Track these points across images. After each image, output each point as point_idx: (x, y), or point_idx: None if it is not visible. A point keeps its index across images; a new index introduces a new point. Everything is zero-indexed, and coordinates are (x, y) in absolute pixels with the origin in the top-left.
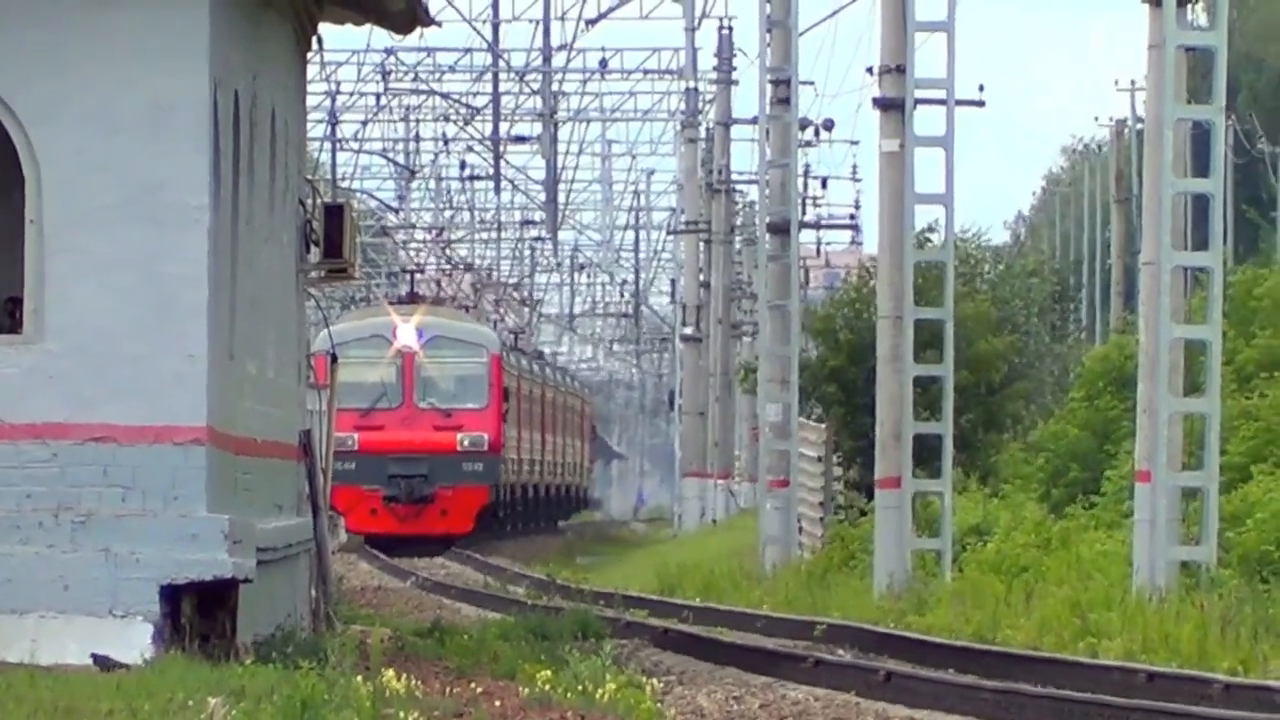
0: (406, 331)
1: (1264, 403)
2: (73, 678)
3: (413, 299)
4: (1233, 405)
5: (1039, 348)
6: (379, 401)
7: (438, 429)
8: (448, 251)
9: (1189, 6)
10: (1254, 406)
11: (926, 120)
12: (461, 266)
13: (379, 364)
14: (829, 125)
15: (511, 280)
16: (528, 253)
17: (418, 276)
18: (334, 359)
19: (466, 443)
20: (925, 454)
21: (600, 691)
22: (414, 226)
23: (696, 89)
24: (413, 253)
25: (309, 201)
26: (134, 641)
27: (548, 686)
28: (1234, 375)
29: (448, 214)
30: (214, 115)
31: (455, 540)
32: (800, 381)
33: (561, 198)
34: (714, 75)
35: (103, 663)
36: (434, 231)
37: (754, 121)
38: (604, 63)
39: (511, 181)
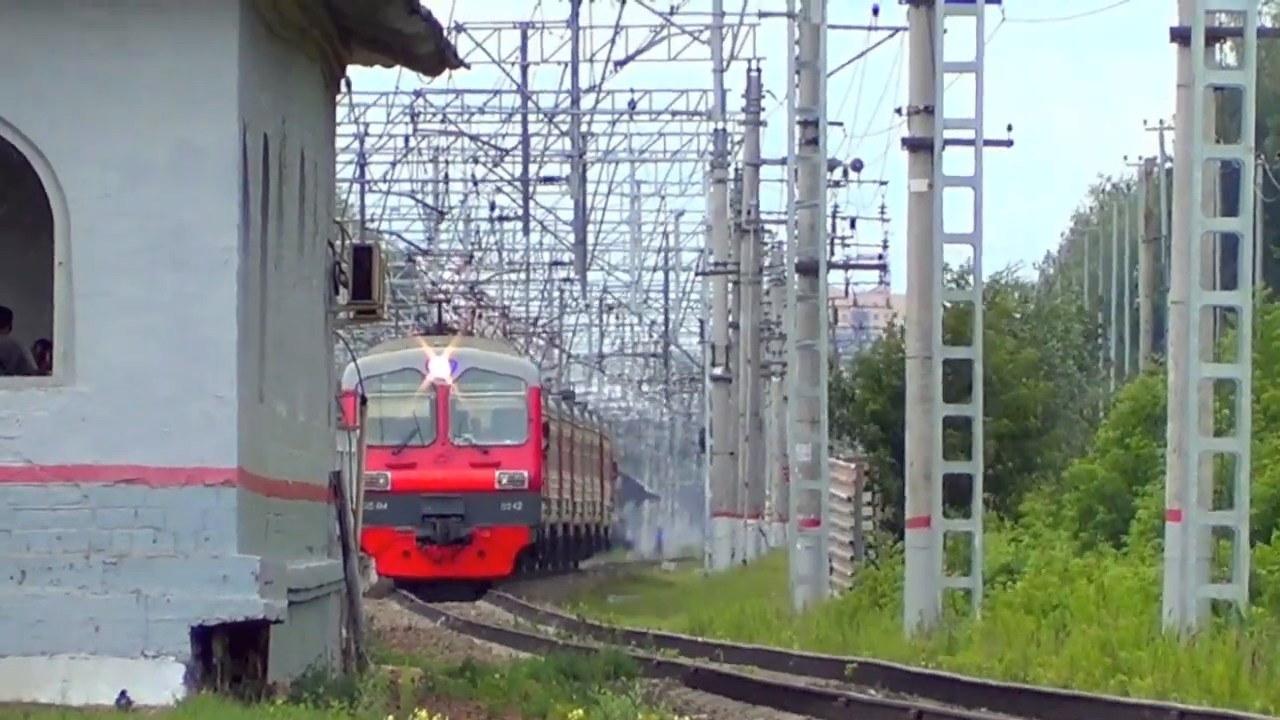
0: (440, 364)
1: None
2: (104, 718)
3: (441, 329)
4: (1262, 444)
5: (1072, 389)
6: (412, 438)
7: (474, 466)
8: (476, 289)
9: (1218, 46)
10: None
11: (955, 160)
12: (489, 305)
13: (411, 398)
14: (858, 166)
15: (540, 321)
16: (556, 294)
17: (445, 306)
18: (364, 400)
19: (505, 481)
20: (957, 495)
21: None
22: (443, 254)
23: (725, 130)
24: (441, 287)
25: (338, 243)
26: (166, 682)
27: None
28: (1261, 414)
29: (477, 255)
30: (243, 158)
31: (492, 584)
32: (843, 417)
33: (590, 238)
34: (742, 116)
35: (123, 702)
36: (463, 260)
37: (783, 162)
38: (633, 104)
39: (540, 222)
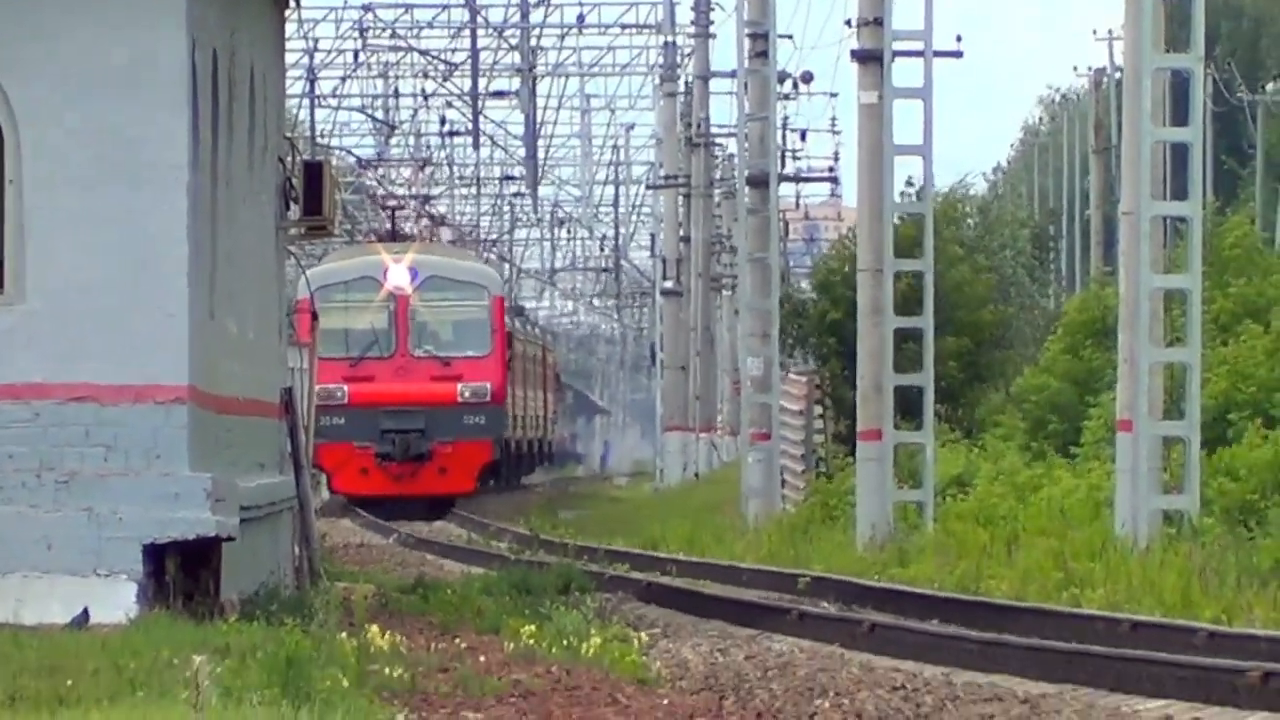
0: (399, 272)
1: (1241, 348)
2: (57, 637)
3: (395, 237)
4: (1212, 355)
5: (1023, 299)
6: (370, 350)
7: (435, 379)
8: (427, 207)
9: None
10: (1230, 354)
11: (905, 72)
12: (440, 220)
13: (369, 308)
14: (808, 78)
15: (491, 236)
16: (507, 208)
17: (399, 214)
18: (315, 316)
19: (467, 394)
20: (909, 407)
21: (585, 646)
22: (394, 162)
23: (675, 43)
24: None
25: (288, 159)
26: (119, 600)
27: (532, 641)
28: (1211, 323)
29: (427, 170)
30: (192, 73)
31: (454, 502)
32: (796, 329)
33: (541, 153)
34: (692, 29)
35: (83, 619)
36: (416, 167)
37: (733, 75)
38: (582, 17)
39: (490, 137)
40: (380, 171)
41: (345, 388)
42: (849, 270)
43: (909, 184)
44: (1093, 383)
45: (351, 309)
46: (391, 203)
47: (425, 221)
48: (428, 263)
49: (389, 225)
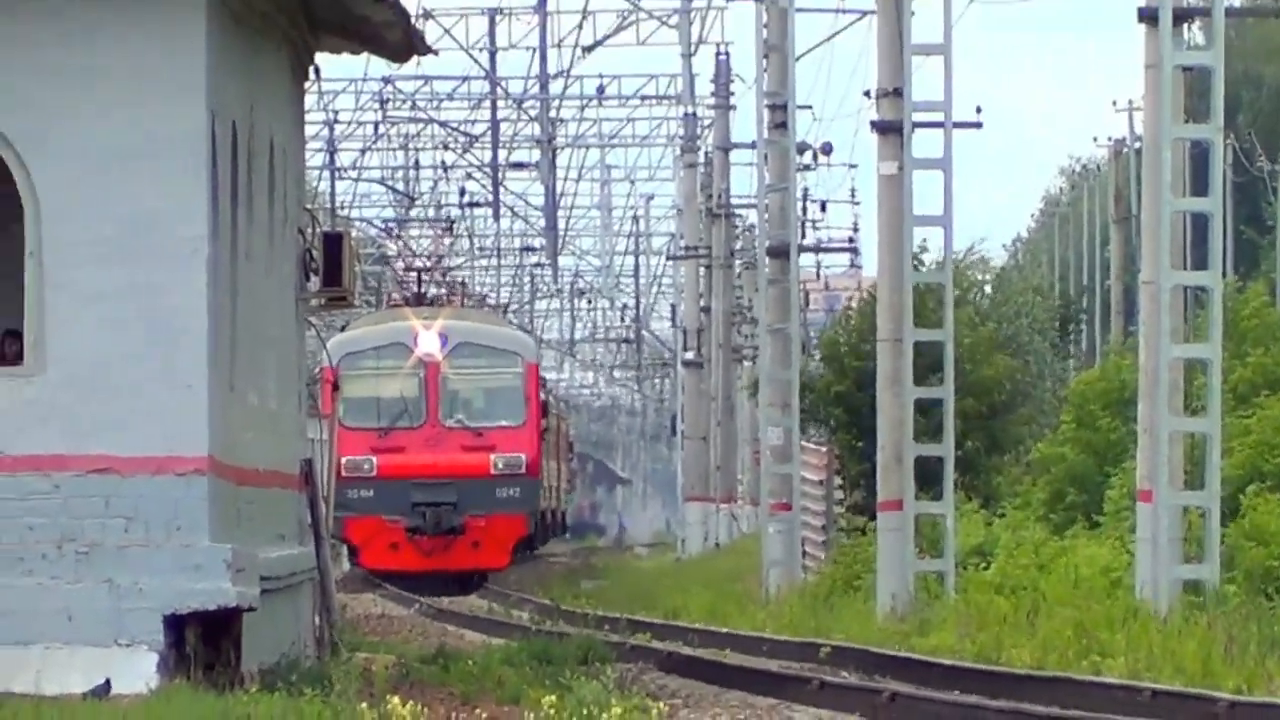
0: (428, 338)
1: (1261, 416)
2: (78, 707)
3: (421, 300)
4: (1231, 425)
5: (1040, 367)
6: (399, 419)
7: (467, 450)
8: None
9: (1186, 26)
10: (1251, 424)
11: (924, 143)
12: (461, 292)
13: (398, 376)
14: (827, 149)
15: (512, 307)
16: (527, 279)
17: (426, 278)
18: (336, 386)
19: (501, 465)
20: (927, 476)
21: (605, 716)
22: (420, 222)
23: (695, 114)
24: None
25: (308, 230)
26: (139, 671)
27: (552, 711)
28: (1229, 394)
29: (447, 241)
30: (211, 146)
31: (487, 577)
32: (804, 403)
33: (561, 224)
34: (712, 100)
35: (104, 690)
36: (443, 228)
37: (752, 146)
38: (601, 89)
39: (511, 208)
40: (401, 242)
41: (374, 459)
42: (855, 341)
43: (924, 248)
44: (1111, 453)
45: (379, 377)
46: (419, 264)
47: (456, 280)
48: (459, 328)
49: (415, 288)
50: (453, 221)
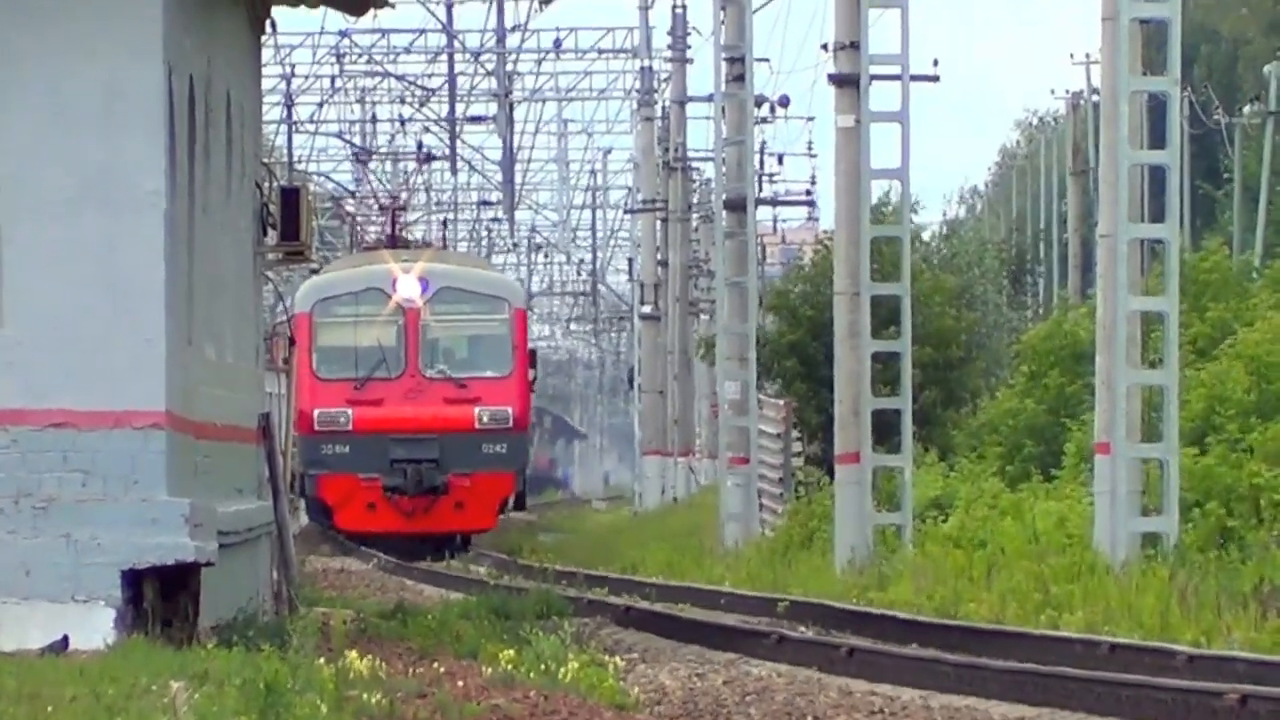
0: (408, 283)
1: (1210, 370)
2: (35, 663)
3: (395, 243)
4: (1190, 377)
5: (995, 319)
6: (377, 370)
7: (450, 402)
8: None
9: None
10: (1203, 377)
11: (882, 96)
12: (442, 233)
13: (375, 323)
14: (784, 102)
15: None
16: (485, 233)
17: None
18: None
19: (486, 419)
20: (885, 429)
21: (563, 670)
22: (394, 155)
23: (651, 68)
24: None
25: (265, 185)
26: (97, 626)
27: (510, 666)
28: (1189, 348)
29: (404, 195)
30: (169, 100)
31: (470, 540)
32: (761, 357)
33: (518, 178)
34: (669, 54)
35: (61, 645)
36: (420, 160)
37: (709, 99)
38: (558, 42)
39: (468, 162)
40: (369, 178)
41: (350, 412)
42: (810, 291)
43: (885, 203)
44: (1065, 407)
45: (355, 324)
46: (391, 203)
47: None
48: (440, 272)
49: (389, 229)
50: (430, 155)
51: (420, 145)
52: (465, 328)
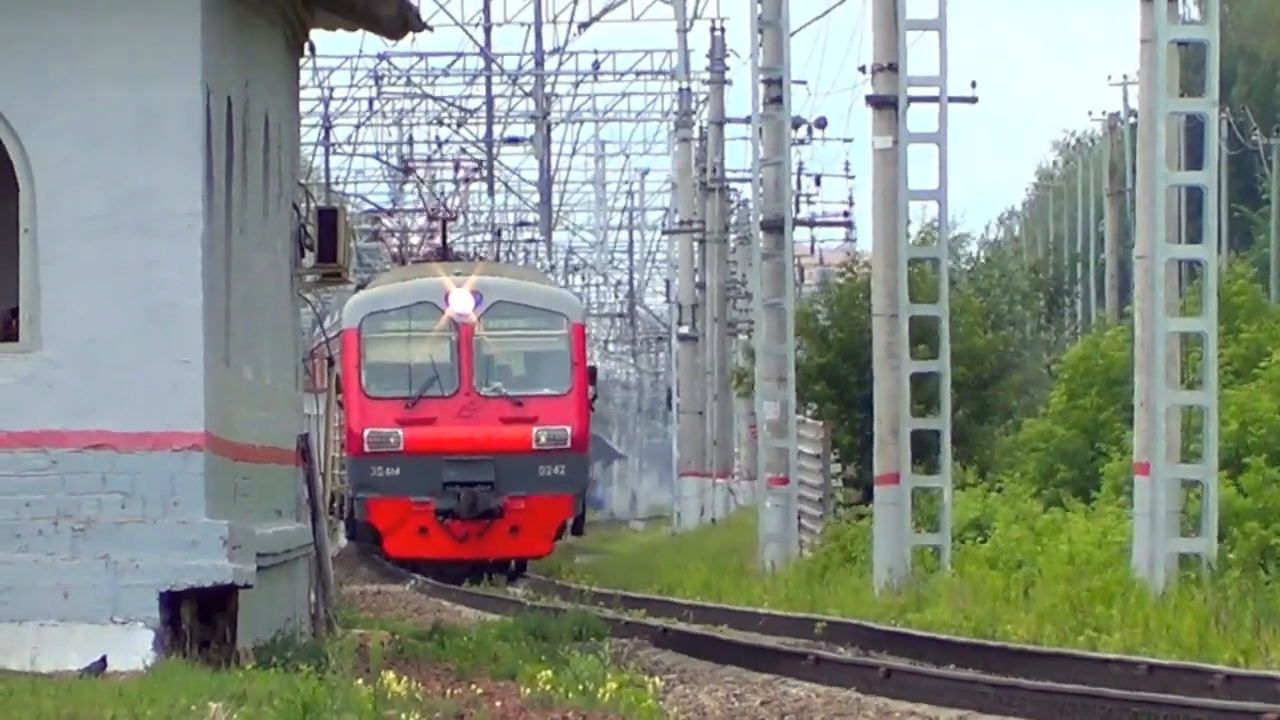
0: (461, 297)
1: (1241, 389)
2: (74, 684)
3: (445, 255)
4: (1226, 398)
5: (1025, 337)
6: (429, 387)
7: (506, 422)
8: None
9: (1181, 0)
10: (1233, 395)
11: (919, 117)
12: (496, 244)
13: (427, 338)
14: (822, 123)
15: None
16: (522, 254)
17: (450, 227)
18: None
19: (543, 439)
20: (921, 449)
21: (601, 691)
22: (440, 164)
23: (689, 89)
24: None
25: (303, 206)
26: (135, 648)
27: (548, 687)
28: (1225, 370)
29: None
30: (206, 122)
31: (526, 566)
32: (795, 381)
33: (555, 199)
34: (707, 76)
35: (100, 666)
36: (468, 172)
37: (747, 121)
38: (596, 65)
39: (505, 184)
40: (421, 184)
41: (400, 432)
42: (838, 313)
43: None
44: (1101, 430)
45: (407, 340)
46: (443, 214)
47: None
48: (494, 285)
49: (440, 241)
50: (479, 163)
51: (458, 167)
52: (521, 343)
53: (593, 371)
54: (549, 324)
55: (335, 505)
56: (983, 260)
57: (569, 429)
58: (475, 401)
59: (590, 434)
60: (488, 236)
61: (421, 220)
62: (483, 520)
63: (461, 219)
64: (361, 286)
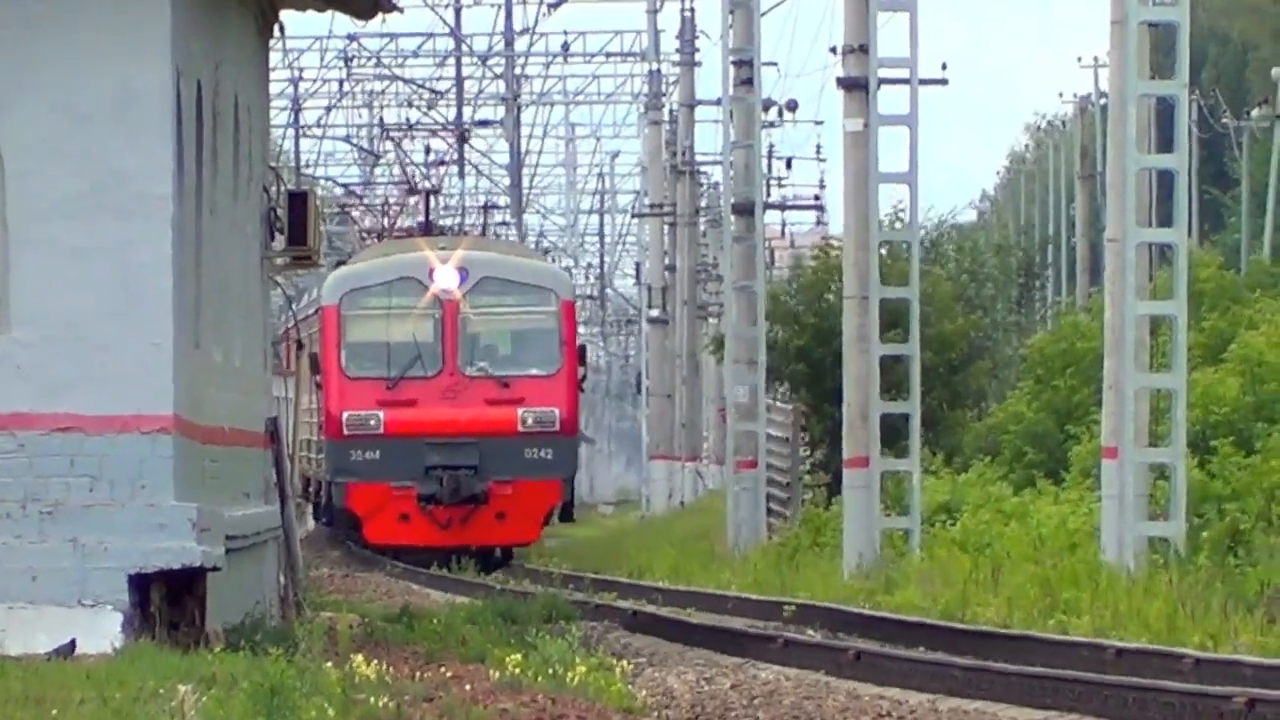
0: (446, 272)
1: (1204, 374)
2: (42, 667)
3: (429, 230)
4: (1194, 384)
5: (1001, 323)
6: (412, 367)
7: (491, 403)
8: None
9: None
10: (1209, 379)
11: (890, 100)
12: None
13: (410, 316)
14: (793, 106)
15: None
16: (492, 237)
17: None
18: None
19: (531, 421)
20: (891, 434)
21: (570, 674)
22: (431, 129)
23: (659, 71)
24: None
25: (273, 189)
26: (104, 630)
27: (517, 670)
28: (1197, 352)
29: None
30: (177, 104)
31: (512, 554)
32: (768, 361)
33: (525, 181)
34: (677, 57)
35: (69, 649)
36: (458, 135)
37: (718, 103)
38: (566, 46)
39: (475, 166)
40: (398, 150)
41: (381, 414)
42: (812, 297)
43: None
44: (1073, 413)
45: (388, 317)
46: (427, 186)
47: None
48: (480, 260)
49: (424, 215)
50: (465, 130)
51: (428, 149)
52: (508, 321)
53: (582, 350)
54: (537, 301)
55: (305, 488)
56: (964, 245)
57: (557, 411)
58: (460, 382)
59: (580, 415)
60: (459, 220)
61: (399, 193)
62: (467, 506)
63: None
64: (343, 262)
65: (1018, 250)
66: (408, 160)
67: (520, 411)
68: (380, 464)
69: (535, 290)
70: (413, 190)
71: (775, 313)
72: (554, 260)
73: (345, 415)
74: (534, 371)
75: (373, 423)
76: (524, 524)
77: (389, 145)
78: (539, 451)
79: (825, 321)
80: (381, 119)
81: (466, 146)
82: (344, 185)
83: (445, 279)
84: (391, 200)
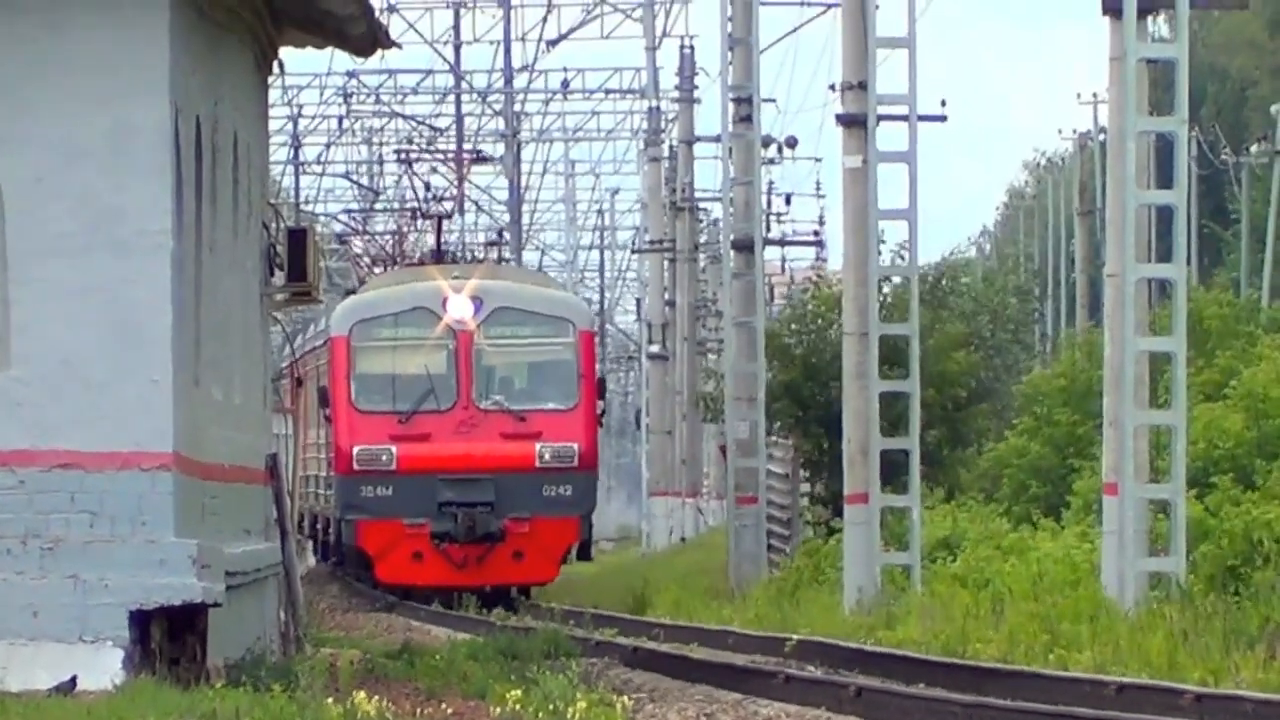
0: (459, 302)
1: (1204, 410)
2: (44, 703)
3: (440, 257)
4: (1196, 420)
5: (1006, 362)
6: (424, 401)
7: (507, 438)
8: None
9: (1150, 18)
10: (1212, 414)
11: (889, 136)
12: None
13: (422, 347)
14: (792, 142)
15: None
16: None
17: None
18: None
19: (548, 456)
20: (890, 470)
21: (571, 710)
22: (440, 155)
23: (659, 108)
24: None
25: (272, 225)
26: (104, 667)
27: (518, 706)
28: (1197, 393)
29: (412, 237)
30: (175, 141)
31: (529, 594)
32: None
33: (525, 218)
34: (676, 94)
35: (70, 686)
36: (468, 161)
37: (717, 140)
38: (566, 83)
39: (475, 202)
40: (411, 172)
41: (393, 449)
42: (806, 332)
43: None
44: (1074, 446)
45: (400, 349)
46: (438, 211)
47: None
48: (496, 290)
49: (435, 240)
50: (478, 154)
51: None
52: (525, 353)
53: (602, 383)
54: (555, 332)
55: (305, 525)
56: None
57: (576, 446)
58: (474, 416)
59: (598, 450)
60: (457, 254)
61: (404, 221)
62: (482, 544)
63: (425, 241)
64: (352, 291)
65: (1020, 290)
66: (419, 177)
67: (538, 446)
68: (392, 501)
69: (552, 320)
70: (423, 215)
71: (771, 347)
72: None
73: (356, 450)
74: (551, 405)
75: (384, 458)
76: (541, 563)
77: (395, 169)
78: (557, 488)
79: (815, 356)
80: (381, 156)
81: (466, 183)
82: (345, 212)
83: (459, 309)
84: (401, 227)
